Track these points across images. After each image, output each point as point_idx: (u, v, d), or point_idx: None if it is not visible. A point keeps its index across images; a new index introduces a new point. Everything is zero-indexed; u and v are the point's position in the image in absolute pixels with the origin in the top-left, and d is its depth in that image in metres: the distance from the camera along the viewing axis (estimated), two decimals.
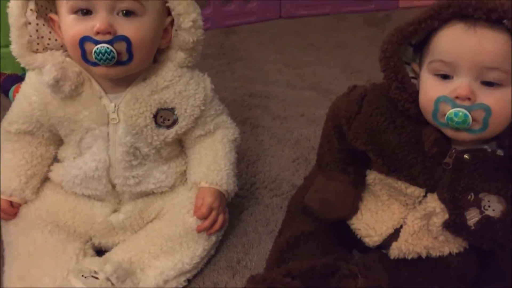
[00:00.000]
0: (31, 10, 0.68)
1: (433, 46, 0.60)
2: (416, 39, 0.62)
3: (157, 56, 0.74)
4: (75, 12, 0.65)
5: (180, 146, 0.79)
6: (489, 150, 0.62)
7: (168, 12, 0.70)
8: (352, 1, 1.57)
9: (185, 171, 0.79)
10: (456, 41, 0.57)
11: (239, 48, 1.42)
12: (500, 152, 0.62)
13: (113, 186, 0.74)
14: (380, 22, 1.53)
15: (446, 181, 0.64)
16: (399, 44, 0.61)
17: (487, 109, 0.57)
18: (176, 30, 0.71)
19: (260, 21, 1.54)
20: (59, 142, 0.77)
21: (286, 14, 1.56)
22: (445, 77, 0.59)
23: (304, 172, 0.93)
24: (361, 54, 1.36)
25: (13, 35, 0.68)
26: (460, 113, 0.57)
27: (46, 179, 0.78)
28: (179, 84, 0.73)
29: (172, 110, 0.73)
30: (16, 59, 0.71)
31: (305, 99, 1.17)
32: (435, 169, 0.64)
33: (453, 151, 0.63)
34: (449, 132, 0.60)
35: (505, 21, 0.55)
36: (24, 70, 1.06)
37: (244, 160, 0.97)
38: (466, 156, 0.62)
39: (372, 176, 0.69)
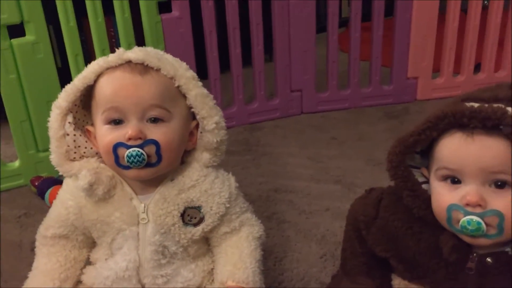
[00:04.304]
0: (69, 123, 0.75)
1: (437, 154, 0.62)
2: (420, 147, 0.64)
3: (184, 157, 0.78)
4: (109, 122, 0.71)
5: (206, 244, 0.81)
6: (510, 252, 0.62)
7: (193, 116, 0.75)
8: (370, 96, 1.63)
9: (212, 269, 0.79)
10: (457, 150, 0.59)
11: (263, 143, 1.46)
12: None
13: (142, 286, 0.75)
14: (400, 115, 1.58)
15: (472, 286, 0.62)
16: (403, 154, 0.63)
17: (500, 215, 0.57)
18: (201, 132, 0.76)
19: (283, 117, 1.61)
20: (92, 245, 0.79)
21: (307, 109, 1.62)
22: (454, 181, 0.60)
23: (332, 269, 0.92)
24: (383, 146, 1.36)
25: (53, 145, 0.74)
26: (473, 221, 0.57)
27: (78, 283, 0.79)
28: (205, 183, 0.76)
29: (198, 208, 0.75)
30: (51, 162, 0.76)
31: (330, 192, 1.19)
32: (458, 275, 0.63)
33: (475, 255, 0.62)
34: (466, 239, 0.60)
35: (501, 126, 0.56)
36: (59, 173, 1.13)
37: (272, 257, 0.97)
38: (488, 260, 0.62)
39: (397, 282, 0.68)
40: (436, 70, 1.65)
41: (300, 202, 1.15)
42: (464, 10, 1.57)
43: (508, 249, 0.62)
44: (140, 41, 1.31)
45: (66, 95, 0.72)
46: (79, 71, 1.20)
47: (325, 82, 1.61)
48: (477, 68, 1.67)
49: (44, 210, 1.13)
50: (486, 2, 1.59)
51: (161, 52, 0.75)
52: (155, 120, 0.70)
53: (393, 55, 1.60)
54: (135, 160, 0.68)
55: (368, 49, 1.59)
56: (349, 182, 1.23)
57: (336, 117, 1.59)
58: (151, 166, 0.70)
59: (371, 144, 1.42)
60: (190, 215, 0.75)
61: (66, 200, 0.76)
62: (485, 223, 0.57)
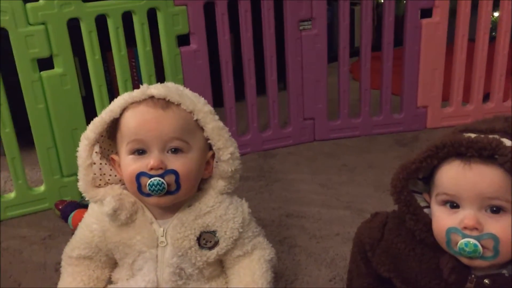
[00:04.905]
0: (96, 152, 0.81)
1: (437, 180, 0.67)
2: (422, 174, 0.69)
3: (201, 184, 0.84)
4: (133, 153, 0.77)
5: (221, 266, 0.86)
6: (507, 274, 0.66)
7: (210, 147, 0.81)
8: (381, 124, 1.67)
9: None
10: (455, 177, 0.64)
11: (276, 170, 1.51)
12: None
13: None
14: (410, 142, 1.61)
15: None
16: (406, 180, 0.67)
17: (495, 238, 0.61)
18: (216, 162, 0.82)
19: (295, 144, 1.66)
20: (114, 265, 0.85)
21: (320, 137, 1.67)
22: (453, 206, 0.65)
23: None
24: (393, 173, 1.42)
25: (81, 173, 0.80)
26: (470, 244, 0.62)
27: None
28: (220, 209, 0.81)
29: (213, 232, 0.81)
30: (78, 189, 0.82)
31: (340, 218, 1.23)
32: None
33: (473, 276, 0.66)
34: (464, 260, 0.64)
35: (496, 156, 0.61)
36: (82, 198, 1.19)
37: (283, 280, 1.01)
38: (486, 281, 0.65)
39: None
40: (446, 99, 1.69)
41: (311, 227, 1.19)
42: (472, 40, 1.62)
43: (504, 271, 0.66)
44: (160, 72, 1.38)
45: (94, 127, 0.79)
46: (102, 100, 1.29)
47: (337, 110, 1.66)
48: (486, 97, 1.70)
49: (67, 232, 1.20)
50: (494, 33, 1.63)
51: (181, 88, 0.82)
52: (175, 151, 0.76)
53: (403, 85, 1.64)
54: (156, 189, 0.74)
55: (379, 78, 1.64)
56: (359, 208, 1.27)
57: (348, 145, 1.63)
58: (171, 194, 0.76)
59: (381, 171, 1.46)
60: (206, 239, 0.80)
61: (91, 224, 0.82)
62: (482, 246, 0.61)
